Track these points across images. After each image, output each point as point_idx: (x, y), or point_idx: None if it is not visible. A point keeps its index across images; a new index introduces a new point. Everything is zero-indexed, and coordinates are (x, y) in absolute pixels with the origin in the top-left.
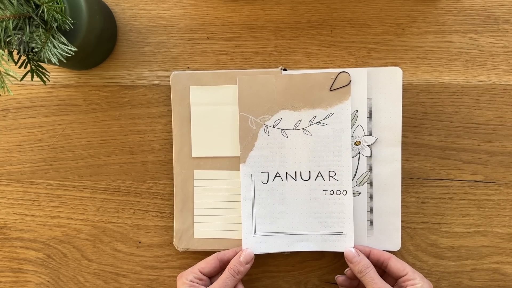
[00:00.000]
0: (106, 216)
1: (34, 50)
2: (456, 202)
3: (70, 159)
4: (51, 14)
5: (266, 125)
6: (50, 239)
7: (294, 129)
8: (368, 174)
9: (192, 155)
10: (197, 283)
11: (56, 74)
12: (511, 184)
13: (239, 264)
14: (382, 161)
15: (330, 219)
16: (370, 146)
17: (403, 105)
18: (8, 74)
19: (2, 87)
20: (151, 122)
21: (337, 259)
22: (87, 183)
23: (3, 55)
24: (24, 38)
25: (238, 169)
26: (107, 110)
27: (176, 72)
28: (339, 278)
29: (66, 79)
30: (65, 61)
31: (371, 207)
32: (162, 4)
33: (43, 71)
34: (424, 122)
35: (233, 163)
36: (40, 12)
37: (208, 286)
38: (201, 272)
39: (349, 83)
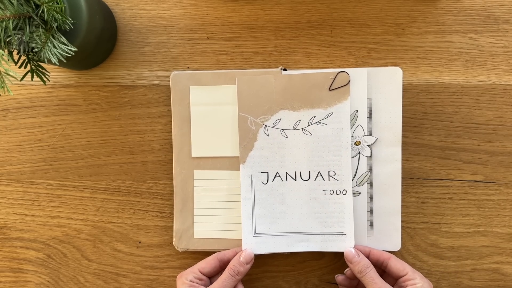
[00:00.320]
0: (106, 216)
1: (34, 50)
2: (456, 202)
3: (70, 159)
4: (51, 14)
5: (265, 125)
6: (50, 239)
7: (294, 129)
8: (368, 174)
9: (192, 155)
10: (197, 283)
11: (56, 74)
12: (511, 184)
13: (239, 264)
14: (382, 161)
15: (330, 219)
16: (370, 146)
17: (403, 105)
18: (8, 74)
19: (2, 87)
20: (151, 122)
21: (337, 259)
22: (87, 183)
23: (3, 55)
24: (24, 38)
25: (238, 169)
26: (107, 110)
27: (176, 72)
28: (339, 278)
29: (66, 79)
30: (65, 61)
31: (371, 207)
32: (162, 4)
33: (43, 71)
34: (424, 122)
35: (233, 163)
36: (40, 12)
37: (208, 286)
38: (201, 272)
39: (348, 82)
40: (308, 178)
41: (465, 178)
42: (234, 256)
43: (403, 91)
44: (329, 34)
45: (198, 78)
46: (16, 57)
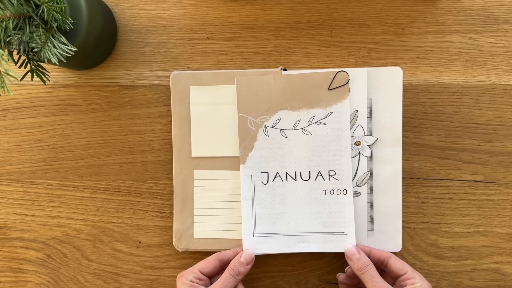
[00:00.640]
0: (106, 216)
1: (34, 50)
2: (456, 202)
3: (70, 159)
4: (51, 14)
5: (265, 126)
6: (50, 239)
7: (293, 129)
8: (369, 175)
9: (192, 155)
10: (197, 283)
11: (56, 74)
12: (511, 184)
13: (239, 264)
14: (383, 161)
15: (331, 219)
16: (370, 146)
17: (403, 105)
18: (8, 74)
19: (2, 87)
20: (151, 122)
21: (337, 259)
22: (87, 183)
23: (3, 55)
24: (24, 38)
25: (238, 169)
26: (107, 110)
27: (176, 72)
28: (340, 276)
29: (66, 79)
30: (65, 61)
31: (371, 207)
32: (162, 4)
33: (43, 71)
34: (424, 122)
35: (233, 163)
36: (40, 12)
37: (208, 286)
38: (201, 272)
39: (348, 82)
40: (308, 178)
41: (465, 178)
42: (234, 256)
43: (403, 91)
44: (329, 34)
45: (198, 78)
46: (16, 57)
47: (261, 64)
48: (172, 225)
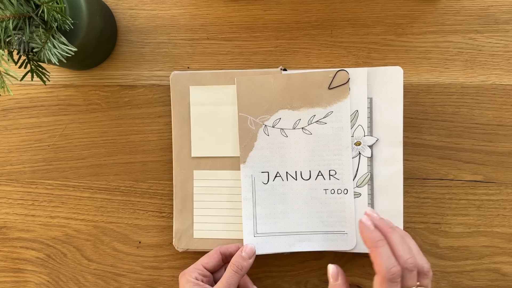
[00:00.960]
0: (106, 216)
1: (34, 50)
2: (456, 202)
3: (70, 159)
4: (51, 14)
5: (265, 125)
6: (50, 239)
7: (294, 128)
8: (369, 175)
9: (192, 155)
10: (202, 281)
11: (56, 74)
12: (511, 184)
13: (241, 259)
14: (383, 161)
15: (332, 218)
16: (370, 146)
17: (403, 105)
18: (8, 74)
19: (2, 87)
20: (151, 122)
21: (338, 259)
22: (87, 183)
23: (3, 55)
24: (24, 38)
25: (238, 169)
26: (107, 110)
27: (176, 72)
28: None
29: (66, 79)
30: (65, 61)
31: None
32: (162, 4)
33: (43, 71)
34: (424, 122)
35: (233, 163)
36: (40, 12)
37: (211, 282)
38: (205, 268)
39: (348, 81)
40: (308, 177)
41: (465, 178)
42: (236, 249)
43: (403, 91)
44: (329, 34)
45: (198, 78)
46: (16, 57)
47: (261, 64)
48: (172, 225)
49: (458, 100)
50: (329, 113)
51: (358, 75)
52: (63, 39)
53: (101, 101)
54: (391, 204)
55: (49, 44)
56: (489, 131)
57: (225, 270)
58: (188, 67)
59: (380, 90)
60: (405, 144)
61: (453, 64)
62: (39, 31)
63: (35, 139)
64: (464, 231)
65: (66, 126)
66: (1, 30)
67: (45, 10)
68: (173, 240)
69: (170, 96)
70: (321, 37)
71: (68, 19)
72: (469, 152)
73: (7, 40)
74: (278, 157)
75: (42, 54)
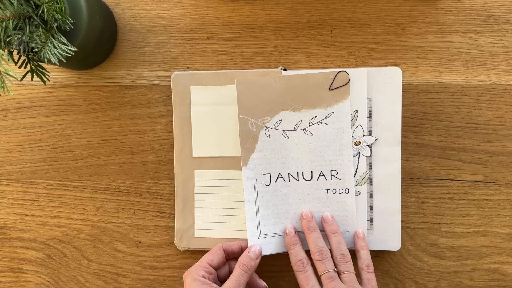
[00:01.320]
0: (106, 216)
1: (34, 50)
2: (456, 202)
3: (70, 159)
4: (51, 14)
5: (266, 127)
6: (50, 239)
7: (295, 129)
8: (368, 174)
9: (193, 155)
10: (208, 279)
11: (56, 74)
12: (511, 184)
13: (249, 259)
14: (382, 161)
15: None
16: (370, 146)
17: (403, 105)
18: (8, 74)
19: (2, 87)
20: (151, 122)
21: None
22: (87, 183)
23: (3, 55)
24: (24, 38)
25: (239, 169)
26: (107, 110)
27: (177, 72)
28: None
29: (66, 79)
30: (65, 61)
31: (371, 207)
32: (162, 4)
33: (43, 71)
34: (424, 122)
35: (233, 163)
36: (40, 12)
37: (215, 279)
38: (210, 265)
39: (348, 82)
40: (310, 178)
41: (465, 178)
42: (238, 247)
43: (403, 91)
44: (329, 34)
45: (198, 79)
46: (16, 57)
47: (261, 64)
48: (172, 225)
49: (458, 100)
50: (330, 114)
51: (358, 75)
52: (63, 39)
53: (101, 101)
54: (390, 202)
55: (49, 44)
56: (489, 131)
57: (228, 267)
58: (188, 67)
59: (379, 90)
60: (405, 144)
61: (453, 64)
62: (39, 31)
63: (35, 139)
64: (464, 231)
65: (66, 126)
66: (1, 30)
67: (45, 10)
68: (175, 239)
69: (170, 96)
70: (321, 37)
71: (68, 19)
72: (469, 152)
73: (7, 40)
74: (279, 158)
75: (42, 54)
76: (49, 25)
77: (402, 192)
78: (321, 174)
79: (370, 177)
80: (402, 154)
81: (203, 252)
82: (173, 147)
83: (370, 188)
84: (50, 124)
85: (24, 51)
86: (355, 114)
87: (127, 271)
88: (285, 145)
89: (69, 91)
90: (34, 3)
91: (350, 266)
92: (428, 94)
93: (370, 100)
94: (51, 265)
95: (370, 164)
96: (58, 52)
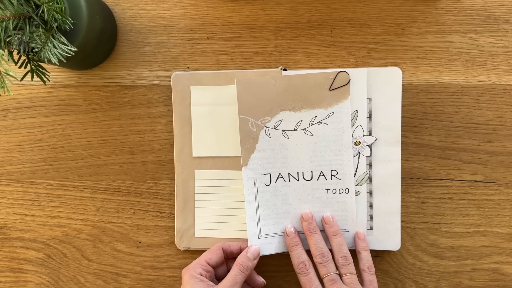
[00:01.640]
0: (106, 216)
1: (34, 50)
2: (456, 202)
3: (70, 159)
4: (51, 14)
5: (266, 127)
6: (50, 239)
7: (295, 129)
8: (368, 174)
9: (193, 155)
10: (205, 276)
11: (56, 74)
12: (511, 184)
13: (247, 259)
14: (382, 161)
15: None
16: (369, 146)
17: (403, 105)
18: (8, 74)
19: (2, 87)
20: (151, 122)
21: None
22: (87, 183)
23: (3, 55)
24: (24, 38)
25: (239, 169)
26: (107, 110)
27: (177, 72)
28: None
29: (66, 79)
30: (65, 61)
31: (370, 206)
32: (162, 4)
33: (43, 71)
34: (424, 122)
35: (234, 163)
36: (40, 12)
37: (213, 278)
38: (208, 263)
39: (348, 82)
40: (310, 178)
41: (465, 178)
42: (238, 248)
43: (403, 91)
44: (329, 34)
45: (198, 79)
46: (16, 57)
47: (261, 64)
48: (172, 225)
49: (458, 100)
50: (330, 114)
51: (358, 75)
52: (63, 39)
53: (101, 101)
54: (390, 202)
55: (49, 44)
56: (489, 131)
57: (226, 266)
58: (188, 67)
59: (379, 90)
60: (405, 144)
61: (453, 64)
62: (39, 31)
63: (35, 139)
64: (464, 231)
65: (66, 126)
66: (1, 30)
67: (45, 10)
68: (175, 239)
69: (170, 96)
70: (321, 37)
71: (68, 19)
72: (469, 152)
73: (7, 40)
74: (280, 158)
75: (42, 54)
76: (49, 25)
77: (402, 192)
78: (321, 174)
79: (370, 177)
80: (402, 154)
81: (203, 252)
82: (173, 147)
83: (370, 188)
84: (50, 124)
85: (24, 51)
86: (355, 114)
87: (127, 271)
88: (285, 145)
89: (69, 91)
90: (34, 3)
91: (351, 268)
92: (428, 94)
93: (370, 100)
94: (51, 265)
95: (370, 164)
96: (58, 52)
